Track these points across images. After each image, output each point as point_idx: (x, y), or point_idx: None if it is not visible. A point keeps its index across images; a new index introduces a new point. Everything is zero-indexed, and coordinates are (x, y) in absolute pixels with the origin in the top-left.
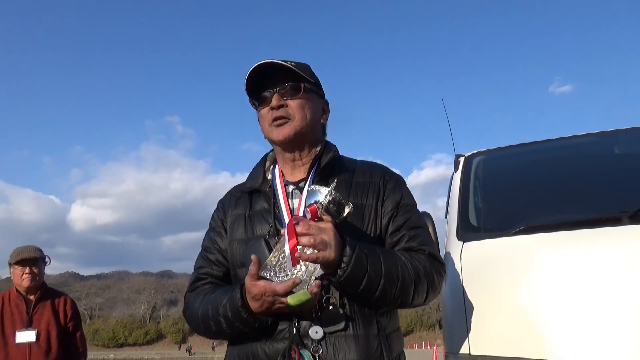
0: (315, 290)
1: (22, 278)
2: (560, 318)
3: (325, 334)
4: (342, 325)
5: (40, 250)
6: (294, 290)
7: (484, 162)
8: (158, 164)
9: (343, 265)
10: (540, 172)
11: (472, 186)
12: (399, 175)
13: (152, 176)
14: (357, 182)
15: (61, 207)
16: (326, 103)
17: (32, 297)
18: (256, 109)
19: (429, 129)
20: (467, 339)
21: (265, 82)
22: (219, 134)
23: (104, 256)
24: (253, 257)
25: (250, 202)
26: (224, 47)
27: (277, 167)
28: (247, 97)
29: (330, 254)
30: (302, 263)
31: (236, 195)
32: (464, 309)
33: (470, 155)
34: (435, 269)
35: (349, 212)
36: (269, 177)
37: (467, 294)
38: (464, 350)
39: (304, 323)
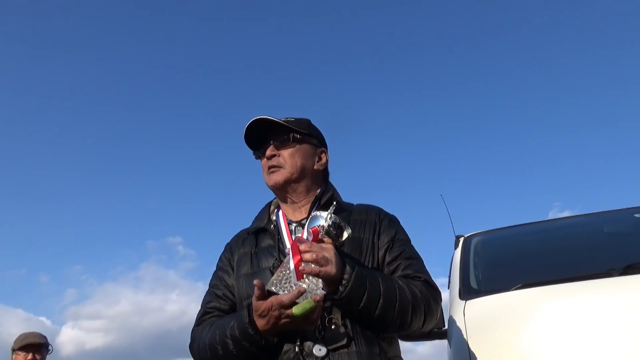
0: (318, 298)
1: None
2: None
3: (328, 351)
4: (344, 341)
5: (45, 338)
6: (298, 301)
7: (482, 241)
8: (156, 285)
9: (344, 281)
10: (535, 246)
11: (471, 260)
12: (393, 215)
13: (148, 297)
14: (355, 219)
15: (51, 330)
16: (323, 151)
17: None
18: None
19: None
20: None
21: (265, 135)
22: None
23: None
24: (256, 282)
25: (256, 241)
26: (231, 172)
27: (280, 210)
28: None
29: (331, 269)
30: (305, 278)
31: (242, 237)
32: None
33: (469, 235)
34: (431, 295)
35: (348, 236)
36: (274, 218)
37: (472, 345)
38: None
39: (308, 343)
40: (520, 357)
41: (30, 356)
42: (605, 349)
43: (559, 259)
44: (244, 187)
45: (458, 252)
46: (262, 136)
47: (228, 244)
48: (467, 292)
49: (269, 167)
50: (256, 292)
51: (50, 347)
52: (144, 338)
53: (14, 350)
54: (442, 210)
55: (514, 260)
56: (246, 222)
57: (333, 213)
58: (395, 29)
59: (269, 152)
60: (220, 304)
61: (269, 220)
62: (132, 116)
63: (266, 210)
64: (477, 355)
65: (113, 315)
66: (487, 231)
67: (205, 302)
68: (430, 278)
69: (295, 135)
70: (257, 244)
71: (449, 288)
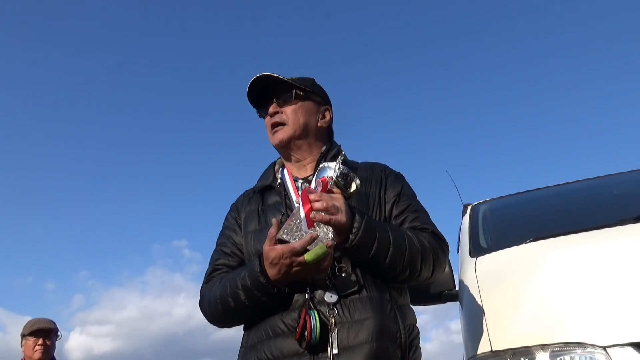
0: (330, 243)
1: (35, 350)
2: (572, 305)
3: (339, 297)
4: (355, 288)
5: (54, 323)
6: (309, 248)
7: (490, 208)
8: (162, 289)
9: (354, 230)
10: (544, 208)
11: (480, 225)
12: (398, 172)
13: (155, 302)
14: (361, 175)
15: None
16: (327, 109)
17: None
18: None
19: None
20: (488, 339)
21: (268, 94)
22: None
23: None
24: (273, 220)
25: (262, 199)
26: (236, 172)
27: (285, 168)
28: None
29: (342, 217)
30: (316, 226)
31: (248, 196)
32: (483, 312)
33: (477, 203)
34: (439, 246)
35: (357, 187)
36: (279, 176)
37: (484, 298)
38: (484, 349)
39: (319, 291)
40: (532, 302)
41: (40, 341)
42: (618, 290)
43: (569, 217)
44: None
45: (466, 219)
46: (265, 95)
47: (233, 204)
48: (478, 251)
49: (272, 125)
50: (272, 230)
51: (59, 334)
52: (151, 343)
53: (23, 335)
54: (449, 184)
55: (523, 222)
56: None
57: (337, 161)
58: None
59: (271, 109)
60: (229, 261)
61: (274, 178)
62: (135, 119)
63: (271, 169)
64: (490, 306)
65: (120, 320)
66: (494, 198)
67: (213, 260)
68: (437, 230)
69: (297, 92)
70: (264, 201)
71: (458, 252)
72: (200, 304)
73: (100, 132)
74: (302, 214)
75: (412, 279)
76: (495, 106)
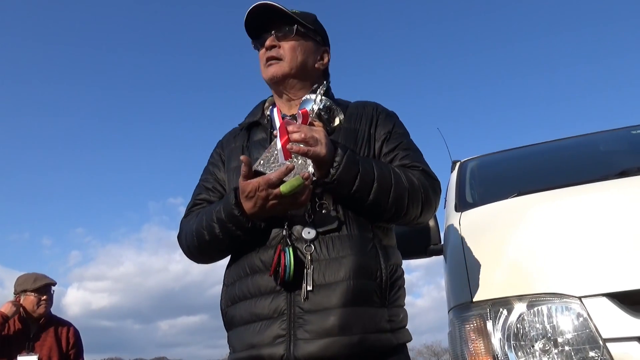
0: (306, 175)
1: (39, 305)
2: (551, 257)
3: (317, 234)
4: (335, 225)
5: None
6: (285, 180)
7: (478, 164)
8: (159, 246)
9: (335, 164)
10: (531, 165)
11: (467, 181)
12: (391, 110)
13: (151, 258)
14: (351, 112)
15: (57, 291)
16: (326, 50)
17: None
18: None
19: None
20: (468, 289)
21: (266, 25)
22: None
23: (97, 342)
24: (242, 157)
25: (249, 135)
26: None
27: (275, 106)
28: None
29: (321, 149)
30: (294, 158)
31: (234, 133)
32: (465, 264)
33: (465, 160)
34: (429, 184)
35: (340, 122)
36: (267, 113)
37: (466, 250)
38: (465, 299)
39: (297, 227)
40: (513, 254)
41: (45, 297)
42: (596, 242)
43: (555, 173)
44: None
45: (454, 175)
46: (263, 26)
47: (220, 140)
48: (463, 205)
49: (267, 59)
50: (243, 168)
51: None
52: (148, 297)
53: (25, 290)
54: (439, 141)
55: (510, 178)
56: None
57: (324, 96)
58: None
59: (268, 42)
60: (210, 196)
61: (263, 115)
62: (132, 75)
63: (260, 107)
64: (471, 258)
65: (117, 276)
66: (483, 155)
67: (195, 195)
68: (428, 168)
69: (299, 28)
70: (249, 138)
71: (445, 208)
72: (179, 237)
73: (97, 89)
74: (279, 145)
75: (398, 217)
76: (487, 64)
